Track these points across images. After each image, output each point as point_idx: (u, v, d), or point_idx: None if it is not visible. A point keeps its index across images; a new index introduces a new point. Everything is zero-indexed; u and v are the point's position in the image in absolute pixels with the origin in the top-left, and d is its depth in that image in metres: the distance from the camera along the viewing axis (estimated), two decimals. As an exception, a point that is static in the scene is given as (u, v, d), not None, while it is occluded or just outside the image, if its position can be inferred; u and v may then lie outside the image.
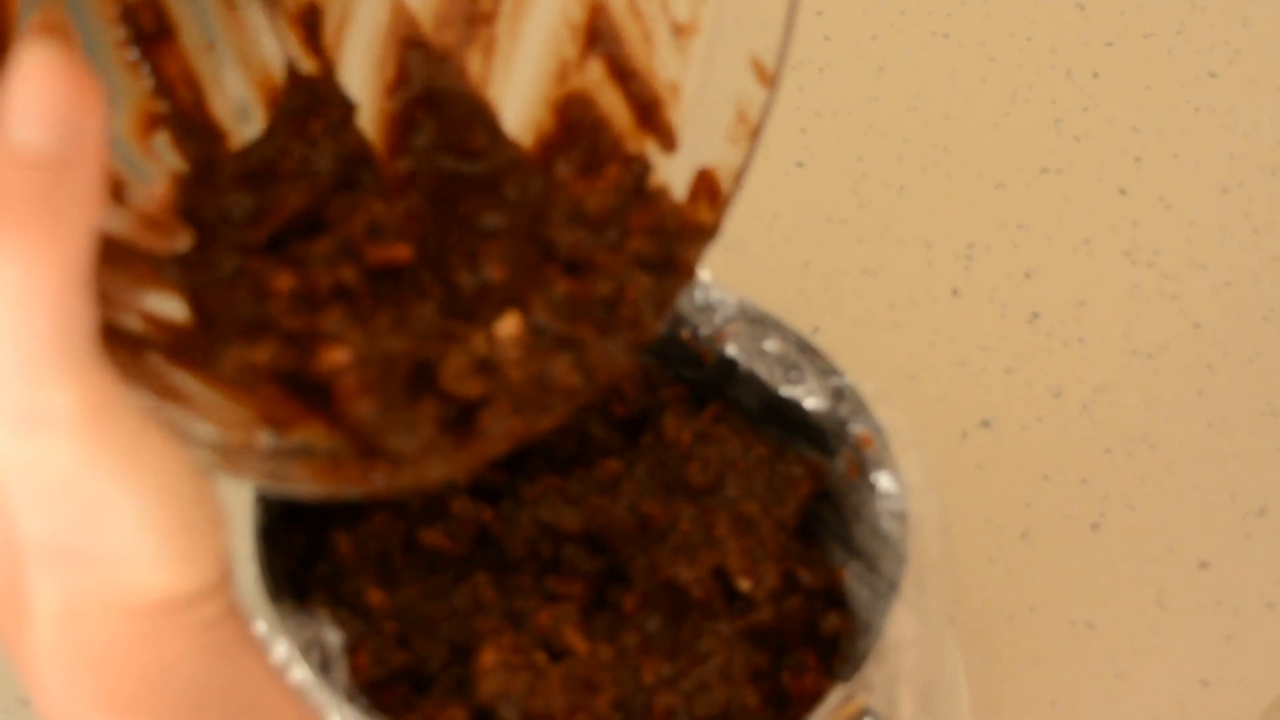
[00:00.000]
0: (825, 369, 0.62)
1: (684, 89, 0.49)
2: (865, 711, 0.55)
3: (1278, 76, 0.94)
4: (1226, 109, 0.92)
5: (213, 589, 0.36)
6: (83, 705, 0.36)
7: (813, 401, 0.62)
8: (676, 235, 0.48)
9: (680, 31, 0.49)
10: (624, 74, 0.50)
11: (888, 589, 0.57)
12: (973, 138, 0.90)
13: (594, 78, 0.50)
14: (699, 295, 0.63)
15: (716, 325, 0.63)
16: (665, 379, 0.65)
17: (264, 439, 0.43)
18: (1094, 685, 0.71)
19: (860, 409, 0.61)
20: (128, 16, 0.45)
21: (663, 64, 0.49)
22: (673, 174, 0.49)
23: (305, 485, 0.43)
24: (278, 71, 0.48)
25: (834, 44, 0.94)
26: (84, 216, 0.31)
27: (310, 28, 0.49)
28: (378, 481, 0.42)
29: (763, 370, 0.63)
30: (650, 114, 0.50)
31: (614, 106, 0.50)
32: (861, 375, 0.62)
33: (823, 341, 0.63)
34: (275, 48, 0.48)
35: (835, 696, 0.54)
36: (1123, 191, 0.88)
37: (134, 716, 0.35)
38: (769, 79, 0.47)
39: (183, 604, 0.35)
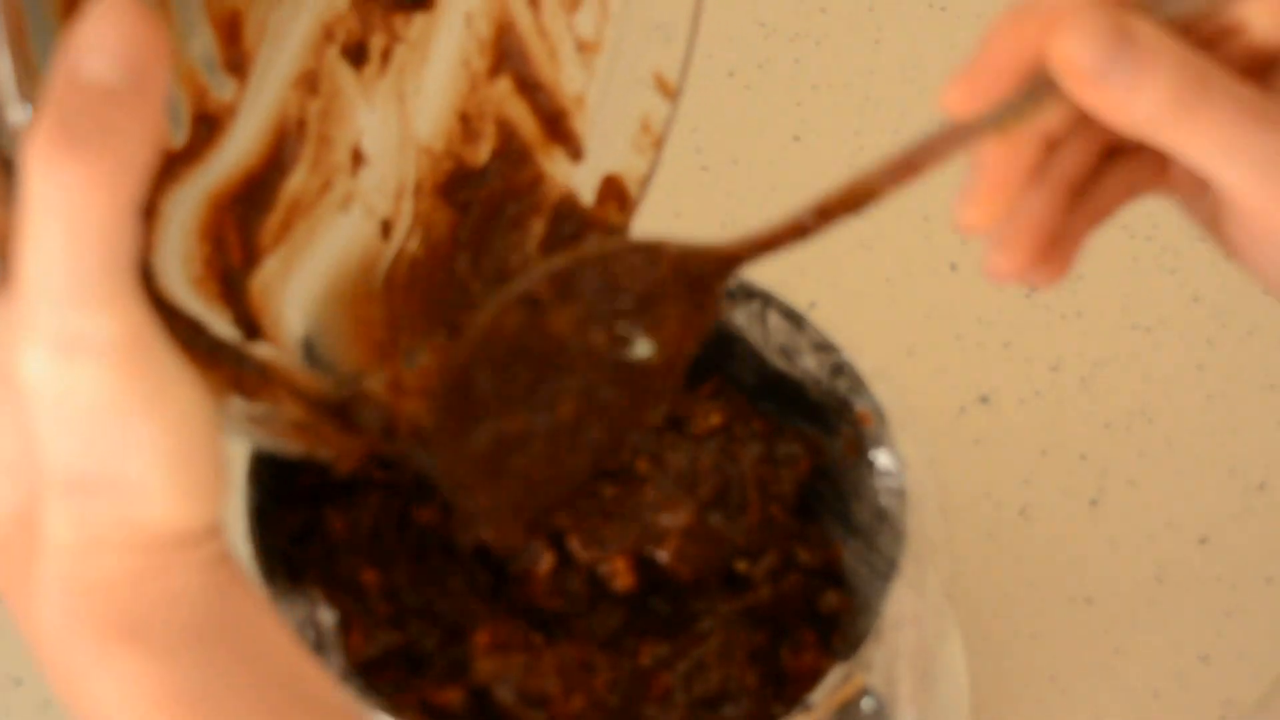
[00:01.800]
0: (823, 345, 0.62)
1: (589, 101, 0.52)
2: (864, 690, 0.54)
3: None
4: (1225, 80, 0.92)
5: (214, 529, 0.37)
6: (88, 633, 0.36)
7: (811, 378, 0.62)
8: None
9: (585, 48, 0.52)
10: (531, 87, 0.53)
11: (886, 567, 0.57)
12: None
13: (502, 90, 0.53)
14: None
15: (713, 301, 0.63)
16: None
17: (236, 404, 0.44)
18: (1093, 661, 0.71)
19: (858, 385, 0.61)
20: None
21: (569, 78, 0.52)
22: (580, 180, 0.52)
23: (274, 441, 0.44)
24: (202, 70, 0.50)
25: (830, 16, 0.93)
26: (142, 151, 0.33)
27: (231, 33, 0.51)
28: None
29: (761, 346, 0.63)
30: (557, 124, 0.53)
31: (522, 118, 0.53)
32: (859, 351, 0.62)
33: (820, 317, 0.62)
34: (201, 49, 0.50)
35: (834, 675, 0.54)
36: (1121, 164, 0.88)
37: (138, 643, 0.36)
38: (671, 92, 0.51)
39: (190, 539, 0.36)
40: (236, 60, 0.51)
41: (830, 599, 0.60)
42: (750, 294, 0.62)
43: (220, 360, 0.47)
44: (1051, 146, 0.43)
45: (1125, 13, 0.39)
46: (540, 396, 0.45)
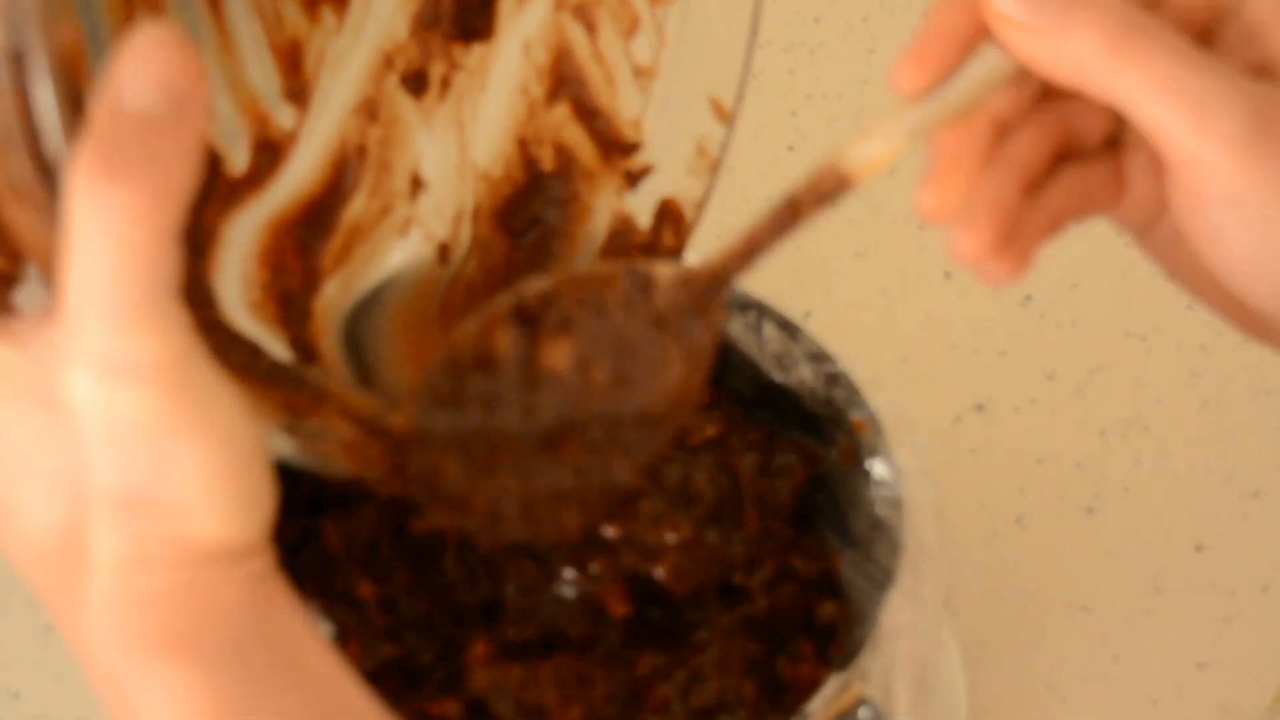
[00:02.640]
0: (818, 354, 0.62)
1: (646, 126, 0.53)
2: (861, 700, 0.54)
3: None
4: None
5: (263, 544, 0.38)
6: (135, 647, 0.37)
7: (806, 388, 0.62)
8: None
9: (641, 73, 0.53)
10: (589, 112, 0.53)
11: (883, 576, 0.57)
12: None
13: (560, 116, 0.54)
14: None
15: (708, 311, 0.63)
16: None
17: (290, 424, 0.45)
18: (1090, 669, 0.71)
19: (854, 395, 0.61)
20: None
21: (625, 103, 0.53)
22: (637, 204, 0.52)
23: (319, 460, 0.44)
24: (264, 98, 0.51)
25: (824, 26, 0.93)
26: (183, 176, 0.34)
27: (292, 62, 0.52)
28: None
29: (756, 357, 0.63)
30: (614, 149, 0.53)
31: (579, 142, 0.53)
32: (854, 360, 0.62)
33: (815, 326, 0.62)
34: (262, 77, 0.51)
35: (831, 685, 0.54)
36: (1115, 172, 0.88)
37: (184, 656, 0.37)
38: (727, 116, 0.51)
39: (236, 555, 0.37)
40: (297, 89, 0.52)
41: (827, 609, 0.59)
42: (745, 305, 0.63)
43: (277, 382, 0.48)
44: (1004, 132, 0.44)
45: None
46: (534, 425, 0.45)
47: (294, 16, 0.51)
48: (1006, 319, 0.81)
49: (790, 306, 0.63)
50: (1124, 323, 0.82)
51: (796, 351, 0.62)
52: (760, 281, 0.63)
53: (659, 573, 0.58)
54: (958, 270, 0.83)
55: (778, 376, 0.62)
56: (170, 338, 0.35)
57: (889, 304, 0.82)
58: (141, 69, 0.34)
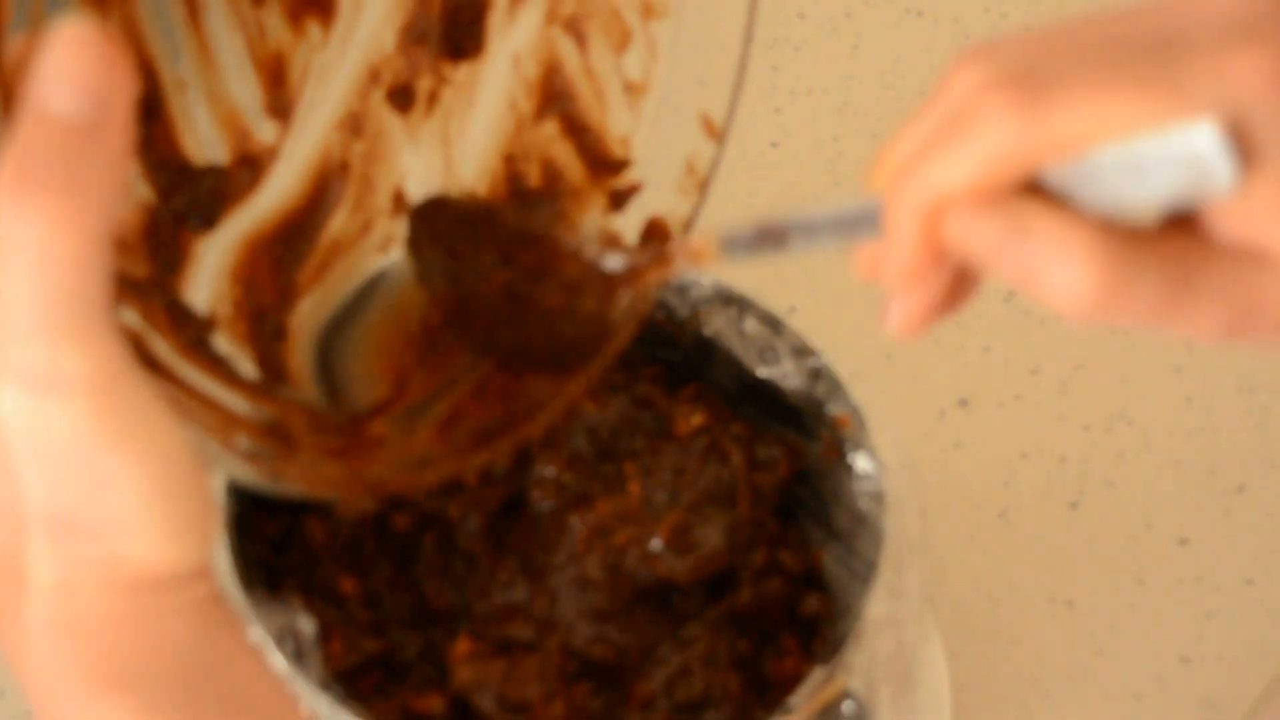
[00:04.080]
0: (801, 349, 0.62)
1: (635, 143, 0.52)
2: (845, 693, 0.54)
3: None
4: None
5: (203, 570, 0.37)
6: (73, 678, 0.36)
7: (790, 382, 0.62)
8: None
9: (632, 89, 0.52)
10: (578, 129, 0.52)
11: (866, 570, 0.57)
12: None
13: (549, 132, 0.52)
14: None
15: (692, 307, 0.63)
16: (642, 360, 0.64)
17: (242, 442, 0.44)
18: (1074, 664, 0.71)
19: (837, 389, 0.61)
20: None
21: (615, 120, 0.52)
22: (625, 223, 0.52)
23: (281, 484, 0.43)
24: (245, 114, 0.50)
25: (808, 22, 0.93)
26: (109, 184, 0.33)
27: (276, 76, 0.51)
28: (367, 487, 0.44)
29: (739, 351, 0.63)
30: (602, 167, 0.52)
31: (568, 160, 0.52)
32: (838, 355, 0.62)
33: (799, 321, 0.62)
34: (244, 91, 0.50)
35: (815, 679, 0.54)
36: (1099, 168, 0.88)
37: (124, 690, 0.36)
38: (718, 134, 0.50)
39: (176, 582, 0.36)
40: (280, 103, 0.51)
41: (811, 603, 0.59)
42: (728, 299, 0.62)
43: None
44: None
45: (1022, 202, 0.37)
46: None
47: (278, 29, 0.50)
48: (991, 314, 0.82)
49: (774, 301, 0.63)
50: (1107, 318, 0.82)
51: (780, 346, 0.62)
52: (744, 276, 0.63)
53: (652, 561, 0.58)
54: (942, 266, 0.83)
55: (761, 371, 0.62)
56: (100, 351, 0.33)
57: (872, 299, 0.82)
58: (63, 71, 0.32)
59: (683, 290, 0.63)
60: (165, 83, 0.48)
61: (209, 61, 0.49)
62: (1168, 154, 0.35)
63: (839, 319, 0.81)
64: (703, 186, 0.50)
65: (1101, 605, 0.72)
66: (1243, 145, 0.35)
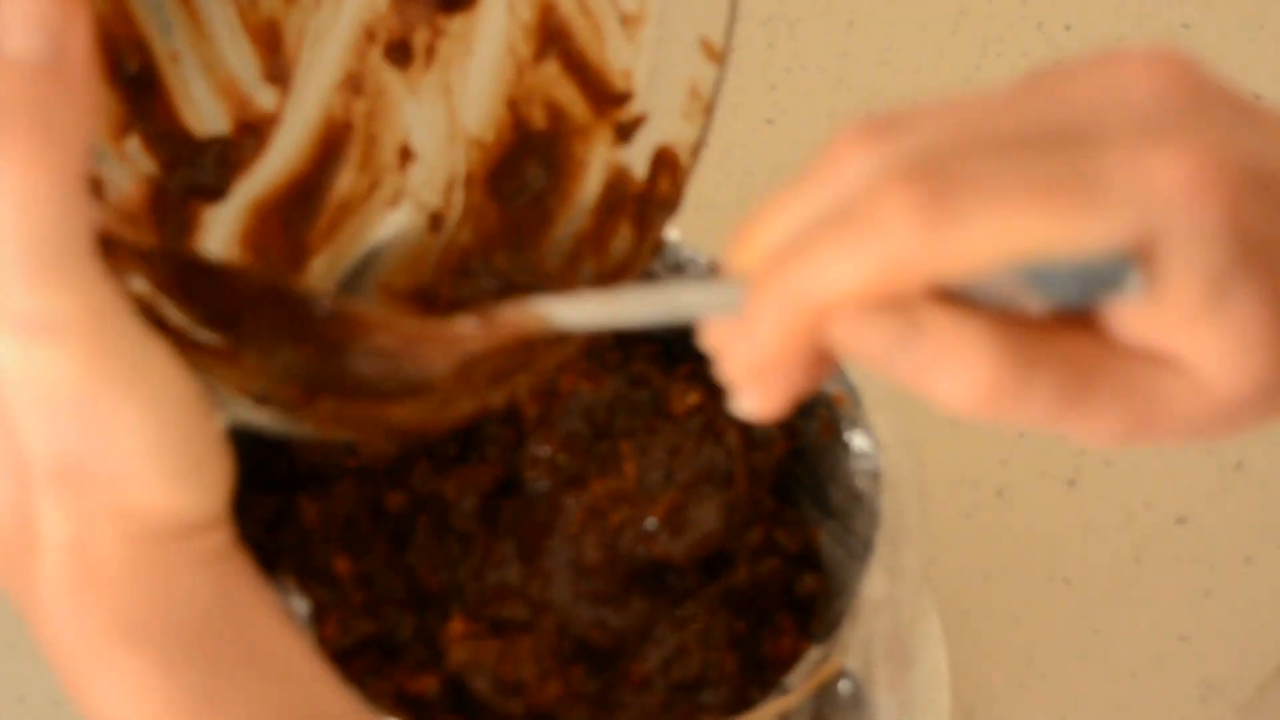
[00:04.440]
0: (797, 327, 0.61)
1: (637, 74, 0.51)
2: (841, 672, 0.54)
3: (1251, 27, 0.93)
4: (1200, 61, 0.92)
5: (217, 519, 0.36)
6: (91, 634, 0.35)
7: (785, 360, 0.61)
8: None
9: (629, 21, 0.51)
10: (578, 67, 0.52)
11: (862, 549, 0.57)
12: (944, 91, 0.89)
13: (550, 73, 0.52)
14: (669, 255, 0.62)
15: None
16: (637, 338, 0.64)
17: (258, 389, 0.44)
18: (1071, 642, 0.71)
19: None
20: (101, 27, 0.46)
21: (615, 54, 0.51)
22: (632, 153, 0.51)
23: (298, 427, 0.43)
24: (243, 82, 0.50)
25: (803, -1, 0.93)
26: (79, 121, 0.32)
27: (270, 43, 0.50)
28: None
29: (734, 329, 0.62)
30: (606, 102, 0.51)
31: (571, 99, 0.52)
32: (834, 333, 0.62)
33: (795, 300, 0.62)
34: (240, 59, 0.50)
35: (811, 658, 0.54)
36: (1096, 144, 0.88)
37: (142, 644, 0.35)
38: (718, 56, 0.49)
39: (189, 530, 0.36)
40: (278, 70, 0.50)
41: (807, 582, 0.59)
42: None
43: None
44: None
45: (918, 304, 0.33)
46: None
47: None
48: (987, 292, 0.81)
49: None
50: (1105, 295, 0.82)
51: (776, 324, 0.62)
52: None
53: (647, 541, 0.58)
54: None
55: (757, 349, 0.62)
56: (88, 292, 0.33)
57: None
58: (18, 13, 0.32)
59: (677, 269, 0.63)
60: (159, 55, 0.48)
61: (201, 33, 0.49)
62: (1077, 269, 0.33)
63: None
64: (708, 110, 0.49)
65: (1099, 584, 0.72)
66: (1154, 255, 0.32)
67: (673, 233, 0.62)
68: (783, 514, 0.61)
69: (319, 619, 0.55)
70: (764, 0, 0.92)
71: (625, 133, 0.51)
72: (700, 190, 0.84)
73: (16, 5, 0.32)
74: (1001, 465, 0.75)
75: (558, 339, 0.43)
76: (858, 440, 0.59)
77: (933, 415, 0.76)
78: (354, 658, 0.56)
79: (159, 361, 0.34)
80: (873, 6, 0.93)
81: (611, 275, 0.49)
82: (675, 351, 0.64)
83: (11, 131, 0.32)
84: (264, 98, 0.50)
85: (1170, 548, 0.74)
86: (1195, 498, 0.75)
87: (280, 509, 0.59)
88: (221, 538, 0.37)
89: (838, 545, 0.59)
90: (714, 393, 0.62)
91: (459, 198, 0.53)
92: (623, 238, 0.50)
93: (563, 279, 0.50)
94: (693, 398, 0.61)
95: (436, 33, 0.53)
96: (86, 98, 0.33)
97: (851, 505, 0.59)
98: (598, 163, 0.52)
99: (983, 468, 0.75)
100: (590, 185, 0.52)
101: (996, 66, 0.91)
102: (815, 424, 0.61)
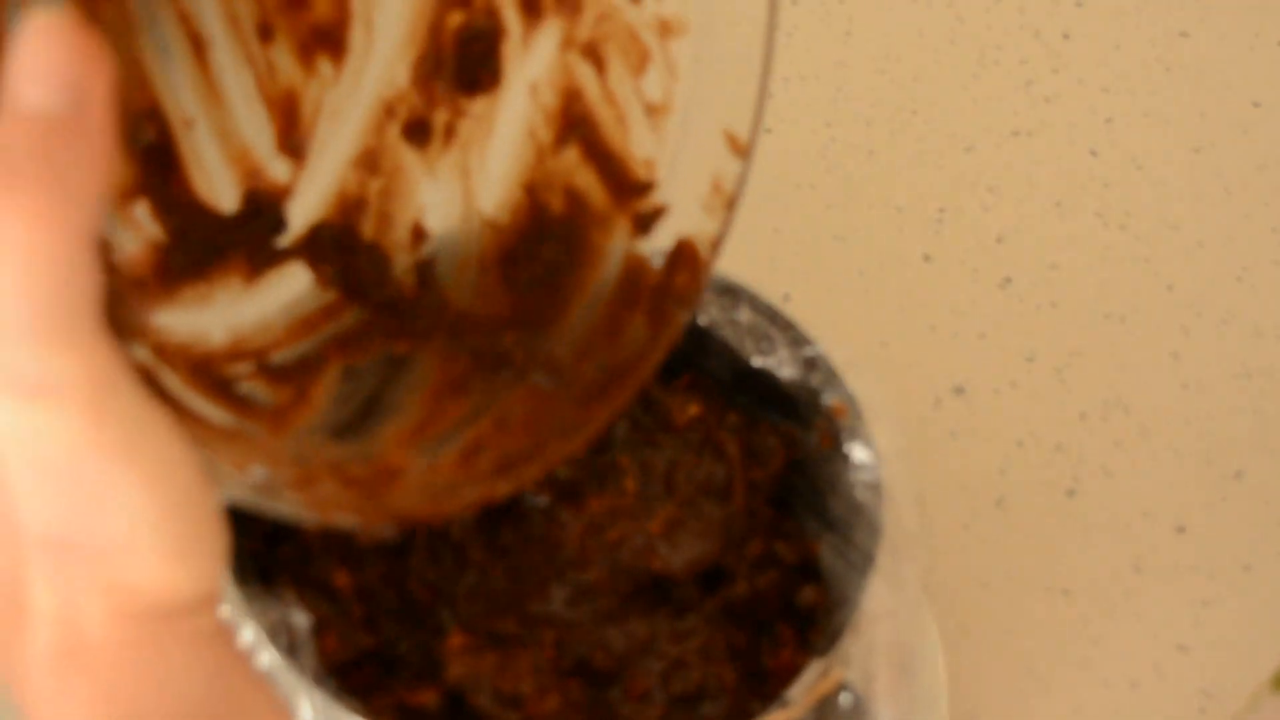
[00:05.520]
0: (796, 338, 0.61)
1: (659, 165, 0.50)
2: (842, 685, 0.54)
3: (1248, 34, 0.93)
4: (1197, 68, 0.92)
5: (210, 598, 0.35)
6: (78, 712, 0.34)
7: (785, 372, 0.61)
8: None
9: (654, 111, 0.50)
10: (600, 155, 0.51)
11: (862, 561, 0.57)
12: (942, 100, 0.89)
13: (570, 159, 0.51)
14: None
15: (686, 295, 0.63)
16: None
17: (258, 472, 0.43)
18: (1071, 652, 0.71)
19: (832, 378, 0.60)
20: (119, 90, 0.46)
21: (638, 143, 0.50)
22: (652, 243, 0.50)
23: (297, 510, 0.43)
24: (256, 151, 0.49)
25: (801, 7, 0.93)
26: (91, 180, 0.31)
27: (288, 113, 0.49)
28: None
29: (734, 341, 0.62)
30: (626, 192, 0.51)
31: (590, 186, 0.51)
32: (833, 343, 0.62)
33: (793, 310, 0.62)
34: (255, 128, 0.49)
35: (812, 671, 0.54)
36: (1094, 153, 0.88)
37: None
38: (743, 150, 0.48)
39: (182, 610, 0.34)
40: (293, 141, 0.49)
41: (807, 594, 0.59)
42: (723, 288, 0.62)
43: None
44: None
45: None
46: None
47: (288, 66, 0.49)
48: (986, 301, 0.81)
49: (768, 290, 0.63)
50: (1104, 305, 0.82)
51: (775, 335, 0.62)
52: (738, 265, 0.63)
53: (647, 556, 0.58)
54: (937, 253, 0.83)
55: (756, 360, 0.62)
56: (91, 357, 0.31)
57: (868, 287, 0.82)
58: (36, 66, 0.31)
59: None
60: (173, 121, 0.47)
61: (217, 99, 0.48)
62: None
63: (834, 308, 0.81)
64: (730, 204, 0.48)
65: (1098, 593, 0.72)
66: None
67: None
68: (782, 526, 0.61)
69: (319, 632, 0.55)
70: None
71: (645, 223, 0.50)
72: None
73: (36, 57, 0.31)
74: (1000, 475, 0.75)
75: (566, 434, 0.44)
76: (857, 452, 0.59)
77: (933, 426, 0.76)
78: (354, 671, 0.56)
79: (159, 432, 0.33)
80: (870, 15, 0.93)
81: (622, 368, 0.49)
82: (673, 363, 0.63)
83: (24, 183, 0.30)
84: (278, 169, 0.49)
85: (1170, 557, 0.73)
86: (1195, 507, 0.75)
87: (280, 523, 0.59)
88: (212, 618, 0.35)
89: (838, 557, 0.59)
90: (713, 404, 0.62)
91: (471, 279, 0.52)
92: (636, 330, 0.49)
93: (573, 368, 0.50)
94: (693, 409, 0.61)
95: (457, 113, 0.51)
96: (103, 156, 0.31)
97: (851, 517, 0.59)
98: (615, 252, 0.51)
99: (981, 478, 0.75)
100: (606, 274, 0.51)
101: (994, 75, 0.91)
102: (815, 435, 0.61)
